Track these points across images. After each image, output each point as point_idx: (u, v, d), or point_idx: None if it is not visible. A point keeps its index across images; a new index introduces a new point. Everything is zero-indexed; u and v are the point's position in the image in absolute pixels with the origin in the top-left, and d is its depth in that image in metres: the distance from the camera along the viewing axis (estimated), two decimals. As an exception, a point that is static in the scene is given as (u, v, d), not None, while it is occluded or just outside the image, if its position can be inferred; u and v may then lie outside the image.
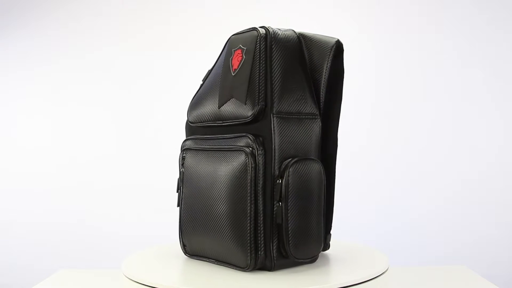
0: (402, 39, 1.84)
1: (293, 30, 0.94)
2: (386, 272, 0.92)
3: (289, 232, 0.86)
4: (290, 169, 0.86)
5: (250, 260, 0.86)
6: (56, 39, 1.95)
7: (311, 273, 0.88)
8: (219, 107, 0.94)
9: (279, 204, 0.86)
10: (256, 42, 0.89)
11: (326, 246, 0.97)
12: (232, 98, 0.91)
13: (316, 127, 0.91)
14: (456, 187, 1.80)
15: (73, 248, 1.89)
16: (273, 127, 0.87)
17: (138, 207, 1.89)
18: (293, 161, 0.87)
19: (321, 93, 0.92)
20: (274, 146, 0.87)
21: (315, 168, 0.89)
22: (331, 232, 0.97)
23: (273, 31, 0.90)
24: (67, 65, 1.95)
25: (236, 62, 0.93)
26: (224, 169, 0.89)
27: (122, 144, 1.91)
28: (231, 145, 0.90)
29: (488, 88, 1.81)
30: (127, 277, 0.90)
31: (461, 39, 1.82)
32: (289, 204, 0.86)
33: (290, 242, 0.86)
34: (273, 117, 0.87)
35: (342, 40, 0.97)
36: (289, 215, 0.86)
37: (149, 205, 1.88)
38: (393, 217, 1.81)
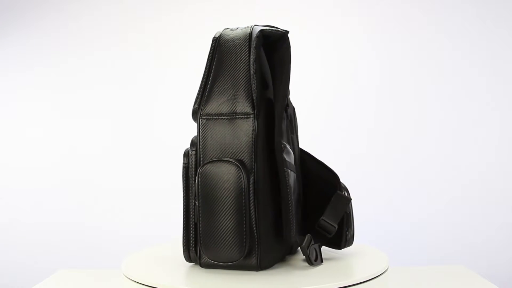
0: (403, 40, 1.84)
1: (251, 27, 0.92)
2: (386, 272, 0.92)
3: (201, 232, 0.87)
4: (200, 170, 0.87)
5: (184, 254, 0.91)
6: (56, 40, 1.95)
7: (310, 273, 0.88)
8: None
9: (195, 203, 0.88)
10: (211, 45, 0.92)
11: (313, 261, 0.91)
12: None
13: (247, 127, 0.87)
14: (456, 188, 1.80)
15: (73, 248, 1.89)
16: (199, 128, 0.90)
17: (138, 207, 1.89)
18: (206, 162, 0.87)
19: (252, 90, 0.88)
20: (200, 147, 0.89)
21: (228, 169, 0.86)
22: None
23: (223, 32, 0.92)
24: (67, 65, 1.95)
25: None
26: None
27: (122, 144, 1.91)
28: None
29: (488, 88, 1.81)
30: (127, 277, 0.90)
31: (461, 39, 1.82)
32: (200, 204, 0.87)
33: (201, 242, 0.87)
34: (200, 119, 0.90)
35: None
36: (200, 215, 0.87)
37: (149, 205, 1.88)
38: (393, 217, 1.81)
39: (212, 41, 0.92)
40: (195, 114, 0.91)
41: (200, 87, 0.92)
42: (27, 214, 1.92)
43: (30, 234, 1.91)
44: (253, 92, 0.88)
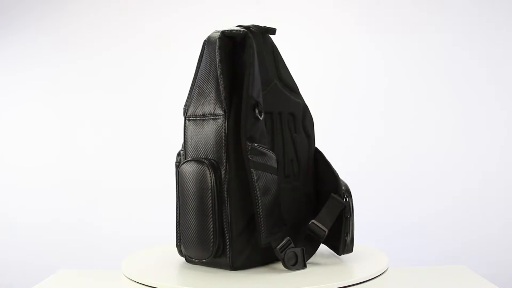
0: (404, 41, 1.84)
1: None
2: (386, 272, 0.92)
3: (180, 229, 0.91)
4: (178, 169, 0.91)
5: (177, 249, 0.95)
6: (56, 40, 1.95)
7: (310, 273, 0.88)
8: None
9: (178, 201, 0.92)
10: (201, 48, 0.93)
11: (288, 265, 0.88)
12: None
13: (218, 128, 0.89)
14: (457, 187, 1.80)
15: (73, 248, 1.89)
16: (184, 129, 0.93)
17: (138, 207, 1.89)
18: (183, 161, 0.91)
19: (221, 90, 0.89)
20: (185, 147, 0.93)
21: (198, 169, 0.88)
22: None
23: (210, 35, 0.93)
24: (67, 65, 1.95)
25: None
26: None
27: (122, 144, 1.91)
28: None
29: (492, 89, 1.81)
30: (127, 277, 0.90)
31: (462, 39, 1.82)
32: (179, 202, 0.91)
33: (181, 239, 0.91)
34: (185, 120, 0.93)
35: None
36: (180, 213, 0.91)
37: (149, 205, 1.88)
38: (394, 218, 1.81)
39: (202, 44, 0.93)
40: (184, 116, 0.94)
41: (189, 90, 0.94)
42: (27, 214, 1.92)
43: (30, 234, 1.91)
44: (221, 93, 0.89)
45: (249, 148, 0.87)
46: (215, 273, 0.88)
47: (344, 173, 1.05)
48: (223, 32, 0.90)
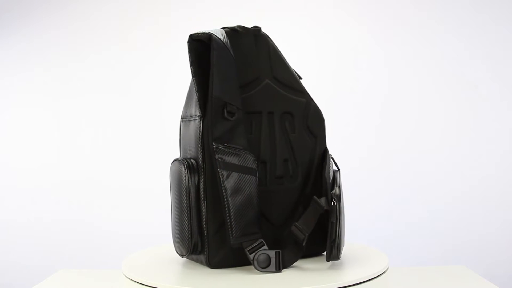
0: (406, 39, 1.84)
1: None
2: (386, 272, 0.92)
3: (172, 226, 0.96)
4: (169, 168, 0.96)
5: None
6: (56, 40, 1.95)
7: (310, 272, 0.88)
8: None
9: None
10: None
11: (257, 266, 0.86)
12: None
13: (196, 129, 0.91)
14: (456, 187, 1.80)
15: (73, 248, 1.89)
16: (179, 130, 0.99)
17: (138, 206, 1.89)
18: (172, 161, 0.96)
19: (195, 92, 0.91)
20: (179, 147, 0.99)
21: (178, 168, 0.92)
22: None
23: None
24: (67, 65, 1.94)
25: None
26: None
27: (123, 144, 1.91)
28: None
29: (495, 89, 1.81)
30: (127, 277, 0.90)
31: (463, 39, 1.82)
32: (171, 199, 0.96)
33: (172, 235, 0.96)
34: (180, 122, 0.98)
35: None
36: (171, 210, 0.96)
37: (149, 205, 1.88)
38: (394, 218, 1.81)
39: None
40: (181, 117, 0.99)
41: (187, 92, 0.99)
42: (27, 214, 1.92)
43: (30, 234, 1.91)
44: (196, 95, 0.90)
45: (216, 149, 0.87)
46: (215, 273, 0.88)
47: (343, 173, 1.05)
48: (191, 36, 0.91)
